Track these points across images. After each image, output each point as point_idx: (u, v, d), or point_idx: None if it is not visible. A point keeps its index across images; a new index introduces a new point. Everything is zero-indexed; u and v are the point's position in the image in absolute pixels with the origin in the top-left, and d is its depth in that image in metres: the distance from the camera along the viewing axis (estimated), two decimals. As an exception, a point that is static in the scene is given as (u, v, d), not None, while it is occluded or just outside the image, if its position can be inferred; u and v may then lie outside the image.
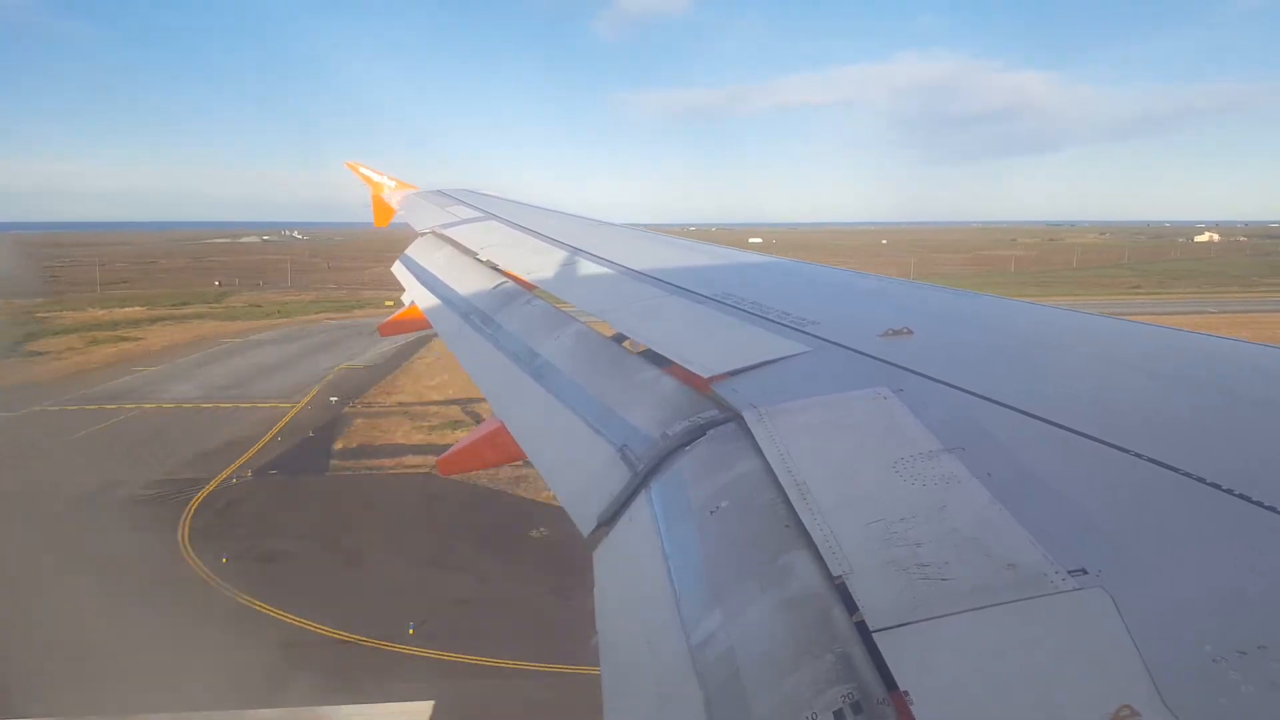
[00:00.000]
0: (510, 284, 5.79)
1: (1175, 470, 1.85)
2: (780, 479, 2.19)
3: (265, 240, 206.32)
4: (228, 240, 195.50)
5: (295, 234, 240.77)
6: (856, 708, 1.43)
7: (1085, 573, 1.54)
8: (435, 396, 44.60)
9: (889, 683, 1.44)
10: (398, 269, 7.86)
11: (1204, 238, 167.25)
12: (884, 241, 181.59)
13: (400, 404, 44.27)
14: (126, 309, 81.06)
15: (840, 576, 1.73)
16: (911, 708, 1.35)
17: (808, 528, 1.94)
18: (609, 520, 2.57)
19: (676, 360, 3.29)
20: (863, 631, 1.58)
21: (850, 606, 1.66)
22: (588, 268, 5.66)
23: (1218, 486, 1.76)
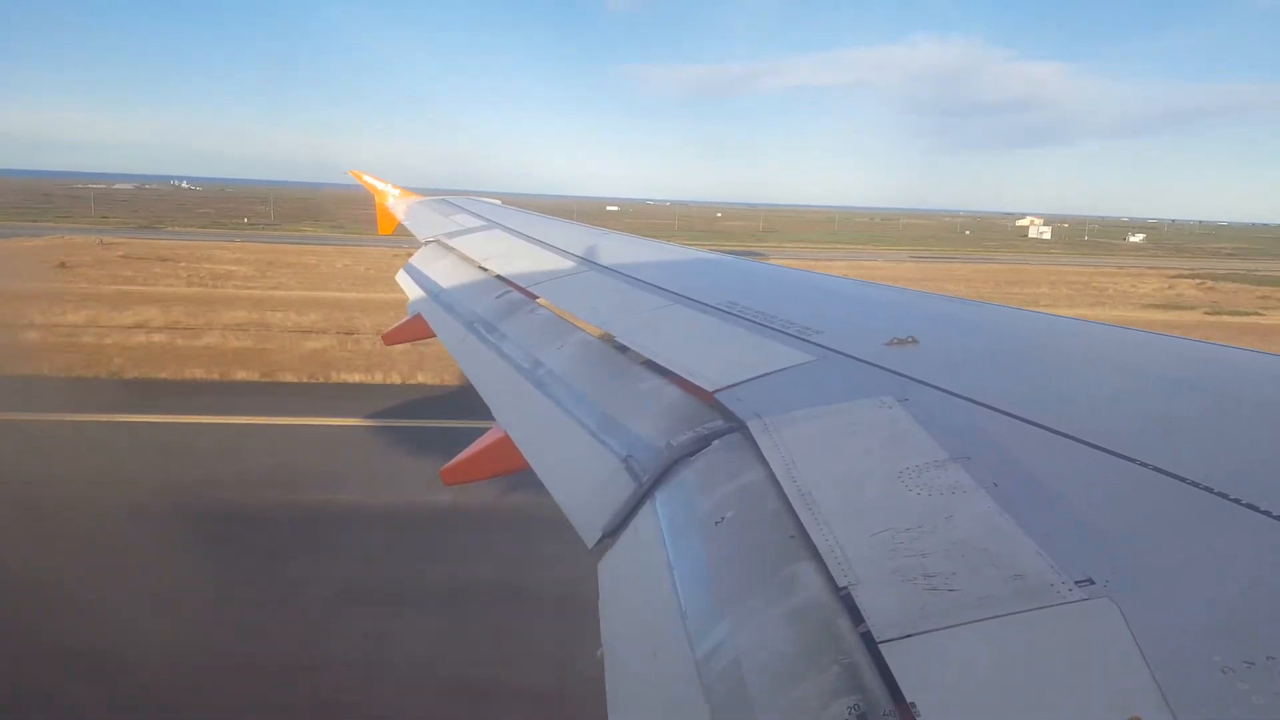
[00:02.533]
0: (514, 293, 5.81)
1: (1183, 480, 1.84)
2: (785, 489, 2.19)
3: (138, 188, 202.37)
4: (104, 187, 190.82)
5: (183, 184, 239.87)
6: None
7: (1092, 583, 1.54)
8: None
9: (895, 694, 1.44)
10: (401, 278, 7.90)
11: (1025, 222, 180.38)
12: (719, 215, 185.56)
13: None
14: None
15: (846, 587, 1.73)
16: (918, 719, 1.35)
17: (813, 538, 1.93)
18: (613, 531, 2.56)
19: (680, 373, 3.30)
20: (869, 643, 1.57)
21: (856, 618, 1.66)
22: (591, 276, 5.68)
23: (1225, 496, 1.75)
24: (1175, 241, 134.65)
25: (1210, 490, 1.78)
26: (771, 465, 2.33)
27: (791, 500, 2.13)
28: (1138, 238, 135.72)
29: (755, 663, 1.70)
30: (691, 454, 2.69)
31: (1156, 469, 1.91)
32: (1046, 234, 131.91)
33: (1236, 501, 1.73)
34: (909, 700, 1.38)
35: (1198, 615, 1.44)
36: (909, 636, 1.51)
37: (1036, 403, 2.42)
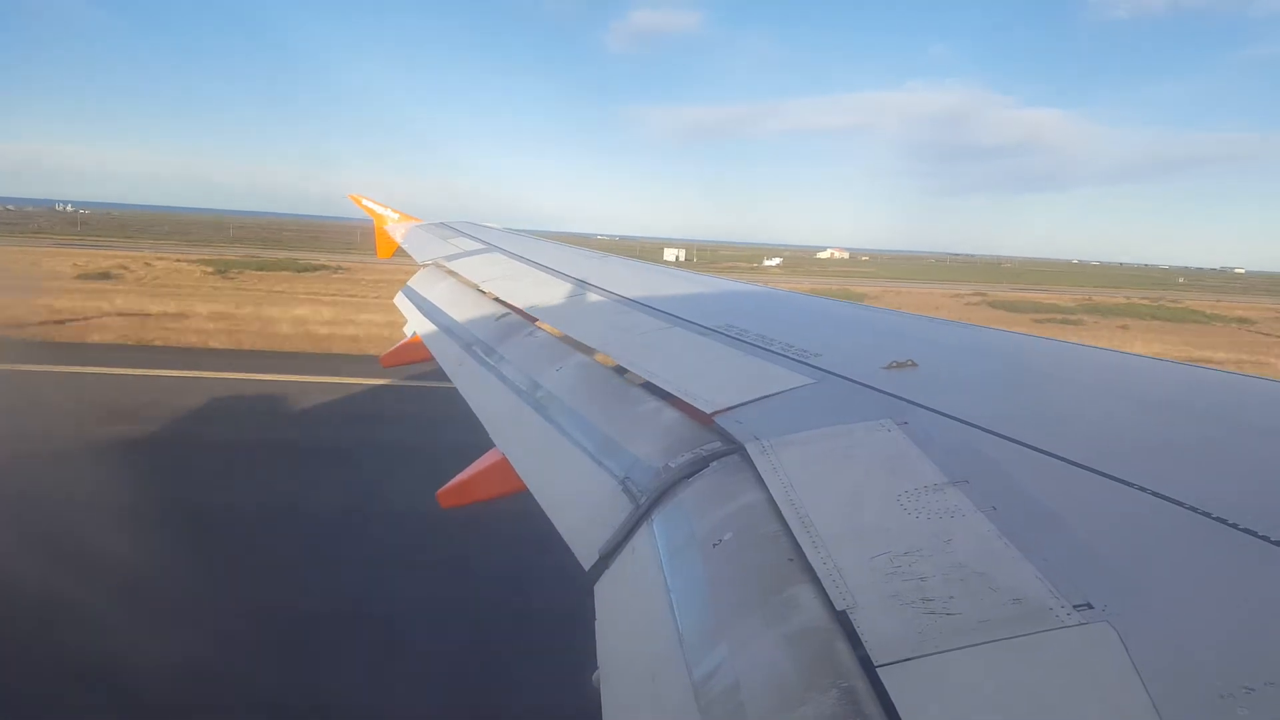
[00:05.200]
0: (512, 316, 5.82)
1: (1182, 505, 1.84)
2: (783, 512, 2.18)
3: (8, 209, 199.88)
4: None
5: (67, 208, 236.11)
6: None
7: (1091, 607, 1.53)
8: None
9: (893, 718, 1.43)
10: (399, 300, 7.90)
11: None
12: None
13: None
14: None
15: (844, 610, 1.72)
16: None
17: (811, 561, 1.92)
18: (610, 553, 2.55)
19: (678, 395, 3.30)
20: (866, 666, 1.56)
21: (854, 641, 1.65)
22: (590, 299, 5.69)
23: (1224, 521, 1.75)
24: (801, 265, 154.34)
25: (1209, 515, 1.78)
26: (770, 487, 2.32)
27: (789, 523, 2.11)
28: (773, 262, 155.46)
29: (753, 686, 1.68)
30: (689, 476, 2.68)
31: (1155, 493, 1.90)
32: (680, 255, 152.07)
33: (1235, 526, 1.72)
34: None
35: (1197, 640, 1.43)
36: (907, 660, 1.50)
37: (1036, 426, 2.42)
